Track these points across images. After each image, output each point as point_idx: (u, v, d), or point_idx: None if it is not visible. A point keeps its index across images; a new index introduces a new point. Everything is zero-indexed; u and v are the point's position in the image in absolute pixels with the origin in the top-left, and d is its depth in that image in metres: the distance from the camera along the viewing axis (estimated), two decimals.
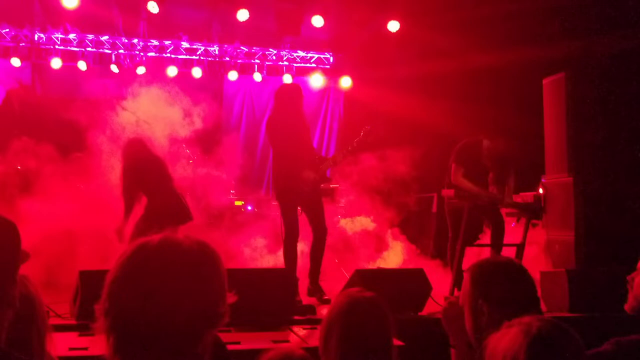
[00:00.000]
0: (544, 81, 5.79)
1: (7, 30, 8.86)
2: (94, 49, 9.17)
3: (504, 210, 5.51)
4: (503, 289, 1.91)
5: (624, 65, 5.41)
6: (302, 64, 9.98)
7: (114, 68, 9.03)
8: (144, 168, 5.10)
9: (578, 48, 6.11)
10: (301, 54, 9.89)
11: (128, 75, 8.72)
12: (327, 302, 4.68)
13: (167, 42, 9.35)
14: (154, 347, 1.21)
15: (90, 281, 3.85)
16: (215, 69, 9.69)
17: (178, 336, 1.23)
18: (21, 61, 8.92)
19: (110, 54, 9.16)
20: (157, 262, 1.25)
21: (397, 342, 1.95)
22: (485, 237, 5.74)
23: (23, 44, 8.97)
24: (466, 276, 2.02)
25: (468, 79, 8.06)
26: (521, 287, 1.93)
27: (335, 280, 5.61)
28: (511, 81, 7.77)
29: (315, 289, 4.87)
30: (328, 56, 10.02)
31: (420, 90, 8.22)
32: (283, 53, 9.79)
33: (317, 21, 8.43)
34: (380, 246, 6.88)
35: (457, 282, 5.00)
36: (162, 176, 5.21)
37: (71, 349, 3.21)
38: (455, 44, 7.66)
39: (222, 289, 1.28)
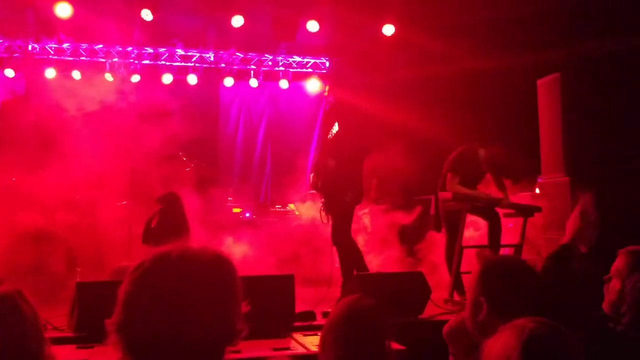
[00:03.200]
0: (539, 82, 5.81)
1: (1, 41, 8.91)
2: (88, 58, 9.17)
3: (501, 212, 5.51)
4: (505, 290, 1.92)
5: (619, 67, 5.48)
6: (299, 69, 10.07)
7: (108, 77, 9.05)
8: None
9: (573, 51, 6.17)
10: (297, 59, 9.95)
11: (122, 83, 8.80)
12: None
13: (161, 50, 9.41)
14: None
15: (87, 293, 3.86)
16: (211, 76, 9.77)
17: (198, 351, 1.21)
18: (15, 72, 8.96)
19: (105, 62, 9.15)
20: (177, 275, 1.22)
21: (398, 346, 1.97)
22: (483, 238, 5.76)
23: (17, 54, 9.00)
24: (475, 268, 2.03)
25: (465, 84, 8.11)
26: (525, 291, 1.92)
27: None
28: (507, 85, 7.78)
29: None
30: (324, 61, 10.14)
31: (417, 95, 8.30)
32: (279, 58, 9.86)
33: (313, 26, 8.50)
34: (379, 249, 6.91)
35: (456, 285, 5.05)
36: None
37: None
38: (451, 49, 7.71)
39: (240, 301, 1.27)
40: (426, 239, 6.97)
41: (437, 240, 6.39)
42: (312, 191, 6.41)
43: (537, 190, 6.49)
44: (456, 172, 5.31)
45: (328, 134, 5.18)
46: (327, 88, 5.04)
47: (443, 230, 5.51)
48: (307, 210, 7.24)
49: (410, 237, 7.28)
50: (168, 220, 5.60)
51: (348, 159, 4.95)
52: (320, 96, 10.15)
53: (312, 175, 5.26)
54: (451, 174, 5.31)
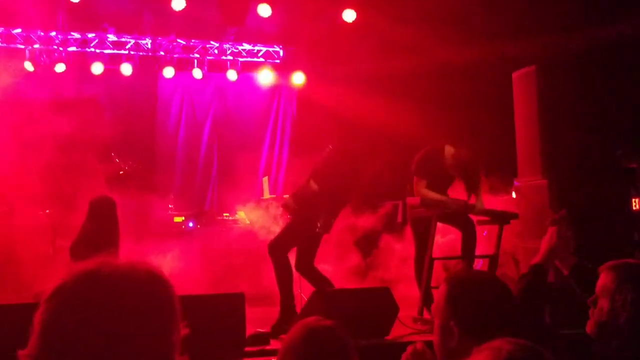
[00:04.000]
0: (514, 75, 5.88)
1: None
2: (4, 44, 8.96)
3: (475, 219, 5.59)
4: (478, 313, 1.94)
5: (598, 61, 5.60)
6: (249, 59, 10.03)
7: (28, 66, 8.84)
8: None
9: (550, 43, 6.36)
10: (247, 47, 9.96)
11: (45, 73, 8.71)
12: None
13: (90, 35, 9.27)
14: None
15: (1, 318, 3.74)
16: (148, 65, 9.61)
17: None
18: None
19: (24, 49, 8.96)
20: (104, 296, 1.18)
21: None
22: (453, 248, 5.89)
23: None
24: (441, 289, 2.05)
25: (434, 77, 8.20)
26: (498, 312, 1.95)
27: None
28: (481, 78, 7.92)
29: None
30: (278, 49, 10.09)
31: (382, 88, 8.34)
32: (226, 46, 9.83)
33: (264, 10, 8.49)
34: (342, 262, 7.01)
35: (425, 301, 5.10)
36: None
37: None
38: (419, 38, 7.78)
39: (177, 325, 1.25)
40: (388, 247, 7.03)
41: (402, 250, 6.47)
42: (276, 204, 6.65)
43: (514, 195, 6.59)
44: (422, 175, 5.39)
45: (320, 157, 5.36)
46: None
47: (411, 239, 5.60)
48: (259, 218, 7.23)
49: (372, 246, 7.37)
50: (98, 230, 5.53)
51: (333, 191, 5.12)
52: (273, 90, 10.19)
53: (289, 196, 5.39)
54: (417, 177, 5.39)
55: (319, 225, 5.04)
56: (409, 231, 5.79)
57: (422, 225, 5.41)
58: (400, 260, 6.71)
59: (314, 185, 5.05)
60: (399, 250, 6.88)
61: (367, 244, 7.43)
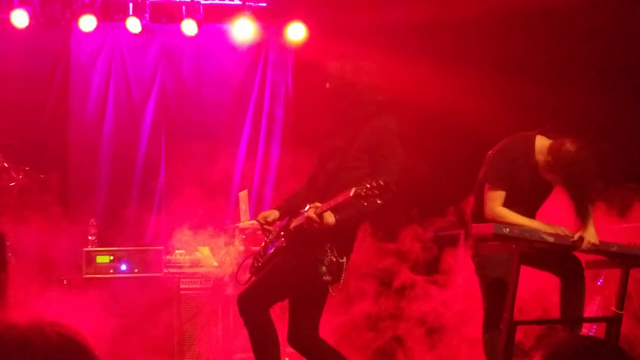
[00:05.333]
0: None
1: None
2: None
3: (583, 258, 5.45)
4: None
5: None
6: (216, 1, 9.55)
7: None
8: None
9: None
10: None
11: None
12: None
13: None
14: None
15: None
16: (54, 13, 9.09)
17: None
18: None
19: None
20: None
21: None
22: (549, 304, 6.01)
23: None
24: None
25: (503, 28, 8.18)
26: None
27: None
28: (582, 20, 7.98)
29: None
30: None
31: (423, 47, 8.34)
32: None
33: None
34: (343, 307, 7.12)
35: None
36: None
37: None
38: None
39: None
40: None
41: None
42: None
43: None
44: (499, 184, 5.24)
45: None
46: None
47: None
48: (231, 258, 7.22)
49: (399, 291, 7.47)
50: None
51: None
52: (255, 51, 9.80)
53: (320, 206, 5.02)
54: (490, 188, 5.27)
55: (324, 269, 4.88)
56: (470, 275, 5.70)
57: (496, 267, 5.25)
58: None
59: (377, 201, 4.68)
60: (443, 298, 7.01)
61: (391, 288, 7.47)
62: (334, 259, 4.97)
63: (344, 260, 5.04)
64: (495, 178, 5.27)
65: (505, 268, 5.15)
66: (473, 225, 5.39)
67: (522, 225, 5.12)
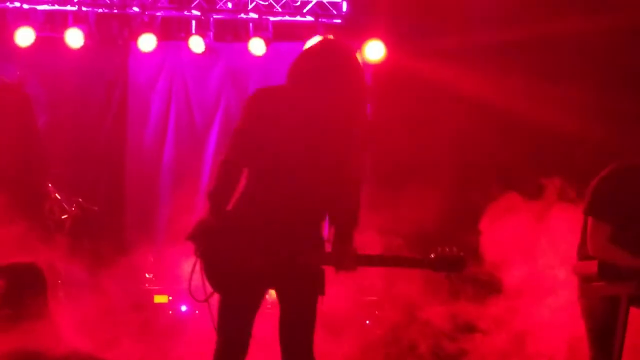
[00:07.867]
0: None
1: None
2: None
3: None
4: None
5: None
6: (286, 17, 9.51)
7: None
8: None
9: None
10: None
11: None
12: None
13: None
14: None
15: None
16: (112, 32, 9.15)
17: None
18: None
19: None
20: None
21: None
22: None
23: None
24: None
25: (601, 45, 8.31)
26: None
27: None
28: None
29: None
30: (337, 0, 9.83)
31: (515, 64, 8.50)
32: None
33: None
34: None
35: None
36: None
37: None
38: None
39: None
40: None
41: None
42: None
43: None
44: (604, 217, 4.94)
45: None
46: None
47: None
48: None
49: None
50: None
51: None
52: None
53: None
54: (595, 220, 4.99)
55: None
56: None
57: (602, 312, 4.85)
58: None
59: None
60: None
61: None
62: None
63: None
64: (603, 210, 5.00)
65: (611, 311, 4.76)
66: (577, 263, 5.10)
67: (631, 264, 4.85)
